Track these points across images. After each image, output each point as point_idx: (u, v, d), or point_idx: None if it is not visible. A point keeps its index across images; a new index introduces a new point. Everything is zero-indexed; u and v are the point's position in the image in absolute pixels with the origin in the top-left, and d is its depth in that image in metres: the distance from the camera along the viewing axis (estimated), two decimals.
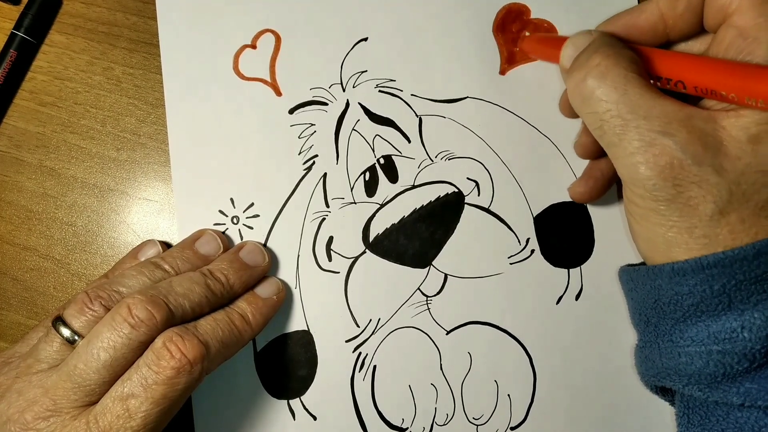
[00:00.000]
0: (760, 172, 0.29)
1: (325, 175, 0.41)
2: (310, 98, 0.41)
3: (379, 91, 0.41)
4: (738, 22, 0.30)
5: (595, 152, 0.38)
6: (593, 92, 0.31)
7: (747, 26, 0.30)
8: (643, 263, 0.38)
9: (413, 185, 0.41)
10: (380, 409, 0.40)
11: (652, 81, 0.32)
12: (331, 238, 0.41)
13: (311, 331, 0.40)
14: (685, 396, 0.34)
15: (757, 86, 0.27)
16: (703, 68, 0.30)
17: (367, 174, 0.41)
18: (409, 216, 0.40)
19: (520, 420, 0.40)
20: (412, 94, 0.41)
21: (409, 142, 0.41)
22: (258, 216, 0.40)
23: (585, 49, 0.33)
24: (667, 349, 0.32)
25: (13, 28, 0.40)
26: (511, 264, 0.41)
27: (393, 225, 0.40)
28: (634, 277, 0.35)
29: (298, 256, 0.40)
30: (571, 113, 0.39)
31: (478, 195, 0.41)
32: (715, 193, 0.29)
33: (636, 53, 0.32)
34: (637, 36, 0.34)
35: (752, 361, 0.29)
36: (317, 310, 0.40)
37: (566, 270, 0.41)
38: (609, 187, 0.39)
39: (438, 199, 0.41)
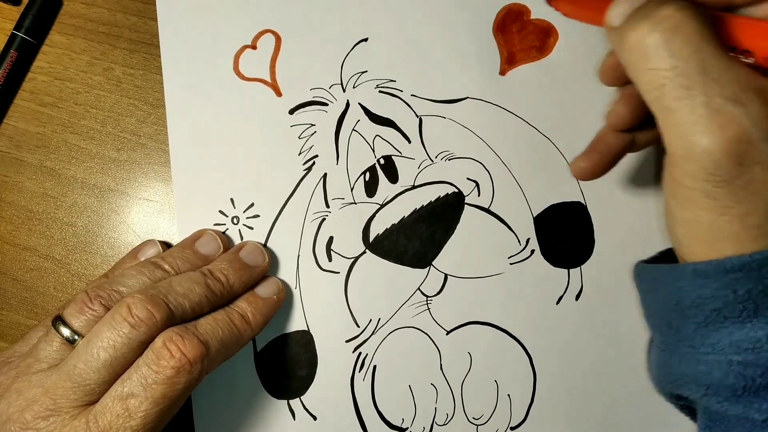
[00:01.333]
0: None
1: (325, 175, 0.41)
2: (311, 98, 0.41)
3: (379, 91, 0.41)
4: None
5: (629, 124, 0.34)
6: (660, 46, 0.26)
7: None
8: (656, 259, 0.36)
9: (413, 185, 0.41)
10: (380, 409, 0.40)
11: None
12: (331, 239, 0.41)
13: (311, 331, 0.40)
14: (707, 408, 0.31)
15: None
16: None
17: (367, 174, 0.41)
18: (409, 216, 0.40)
19: (520, 420, 0.40)
20: (412, 95, 0.41)
21: (409, 142, 0.41)
22: (258, 216, 0.40)
23: (649, 1, 0.28)
24: (687, 355, 0.30)
25: (14, 29, 0.40)
26: (511, 264, 0.41)
27: (393, 225, 0.40)
28: (655, 275, 0.32)
29: (298, 256, 0.40)
30: (614, 79, 0.35)
31: (478, 195, 0.41)
32: None
33: None
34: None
35: None
36: (317, 310, 0.40)
37: (566, 270, 0.41)
38: (613, 164, 0.36)
39: (438, 199, 0.41)
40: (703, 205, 0.27)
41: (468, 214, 0.41)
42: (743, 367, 0.27)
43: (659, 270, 0.31)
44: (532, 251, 0.41)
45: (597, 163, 0.35)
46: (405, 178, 0.41)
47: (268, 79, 0.41)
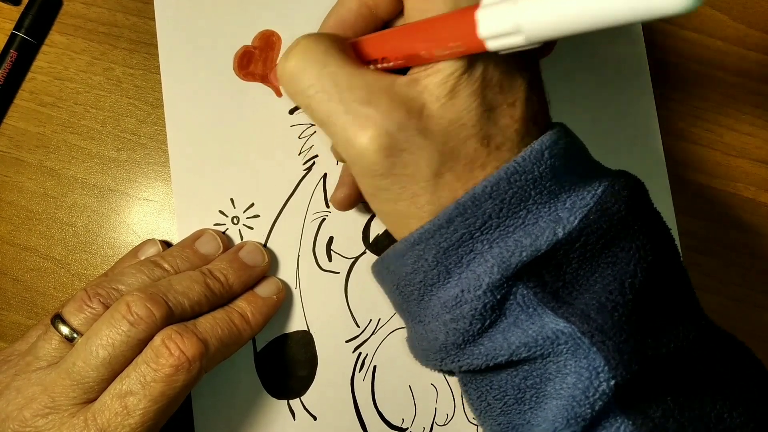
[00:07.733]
0: (462, 125, 0.28)
1: (325, 175, 0.41)
2: None
3: None
4: None
5: (352, 202, 0.38)
6: (295, 70, 0.30)
7: None
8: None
9: None
10: (380, 409, 0.40)
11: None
12: (331, 239, 0.41)
13: (311, 331, 0.40)
14: (453, 371, 0.32)
15: (439, 34, 0.27)
16: (394, 37, 0.29)
17: None
18: None
19: None
20: None
21: None
22: (258, 216, 0.40)
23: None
24: (420, 331, 0.31)
25: (14, 29, 0.40)
26: None
27: None
28: (376, 270, 0.34)
29: (298, 256, 0.40)
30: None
31: None
32: (426, 156, 0.28)
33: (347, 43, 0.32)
34: (351, 28, 0.33)
35: (483, 319, 0.28)
36: (317, 310, 0.40)
37: None
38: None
39: None
40: (382, 197, 0.30)
41: None
42: (455, 322, 0.28)
43: (379, 263, 0.33)
44: None
45: (350, 195, 0.38)
46: None
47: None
